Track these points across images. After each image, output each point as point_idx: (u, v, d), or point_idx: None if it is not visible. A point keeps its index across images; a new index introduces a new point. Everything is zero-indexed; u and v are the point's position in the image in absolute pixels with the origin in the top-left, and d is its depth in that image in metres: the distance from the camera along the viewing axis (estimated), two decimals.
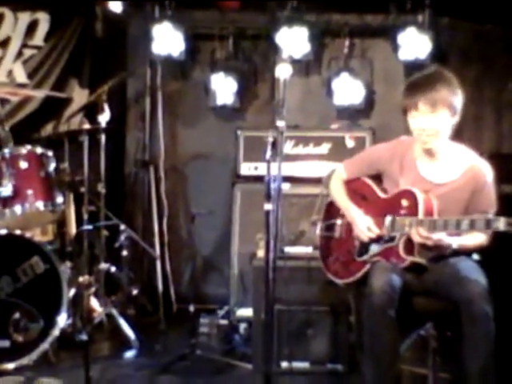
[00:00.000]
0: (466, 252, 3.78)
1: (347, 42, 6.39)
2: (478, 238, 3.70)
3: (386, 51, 6.39)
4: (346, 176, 4.10)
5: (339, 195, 4.08)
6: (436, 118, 3.69)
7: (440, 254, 3.71)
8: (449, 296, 3.63)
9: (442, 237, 3.59)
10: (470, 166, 3.80)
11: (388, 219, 3.77)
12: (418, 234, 3.57)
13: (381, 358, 3.66)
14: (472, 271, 3.68)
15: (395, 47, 6.25)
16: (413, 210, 3.69)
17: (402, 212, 3.73)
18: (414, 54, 6.17)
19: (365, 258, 3.84)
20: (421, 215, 3.66)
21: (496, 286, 3.64)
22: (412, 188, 3.74)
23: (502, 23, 6.23)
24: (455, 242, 3.65)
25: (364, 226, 3.85)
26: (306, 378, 4.41)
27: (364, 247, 3.86)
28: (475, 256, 3.83)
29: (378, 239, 3.80)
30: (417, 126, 3.74)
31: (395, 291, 3.62)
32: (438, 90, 3.68)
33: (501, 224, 3.35)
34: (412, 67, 6.21)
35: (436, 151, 3.80)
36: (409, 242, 3.68)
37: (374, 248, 3.80)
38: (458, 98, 3.73)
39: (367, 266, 3.80)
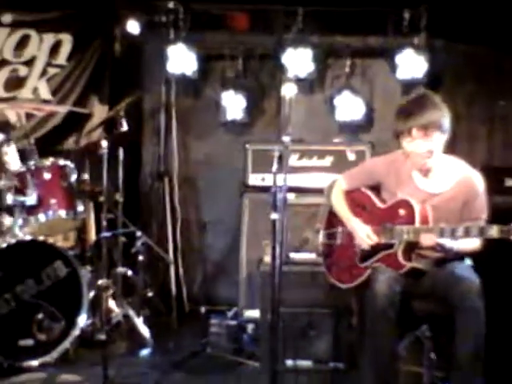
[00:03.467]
0: (459, 257, 3.78)
1: (348, 62, 6.38)
2: (474, 243, 3.70)
3: (385, 71, 6.39)
4: (345, 187, 4.10)
5: (339, 205, 4.08)
6: (429, 140, 3.70)
7: (443, 257, 3.71)
8: (445, 295, 3.64)
9: (445, 242, 3.61)
10: (463, 177, 3.80)
11: (387, 228, 3.77)
12: (428, 240, 3.58)
13: (381, 356, 3.67)
14: (465, 271, 3.72)
15: (393, 67, 6.25)
16: (410, 219, 3.70)
17: (400, 221, 3.74)
18: (410, 74, 6.16)
19: (366, 263, 3.84)
20: (417, 223, 3.66)
21: (488, 286, 3.65)
22: (408, 198, 3.74)
23: (493, 45, 6.22)
24: (455, 245, 3.66)
25: (364, 234, 3.85)
26: (309, 375, 4.39)
27: (365, 254, 3.85)
28: (468, 261, 3.83)
29: (377, 247, 3.80)
30: (412, 149, 3.75)
31: (396, 295, 3.62)
32: (428, 115, 3.69)
33: (494, 232, 3.38)
34: (409, 86, 6.21)
35: (430, 166, 3.80)
36: (407, 249, 3.68)
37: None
38: (446, 119, 3.75)
39: (368, 271, 3.81)
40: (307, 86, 6.40)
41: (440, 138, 3.73)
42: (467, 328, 3.53)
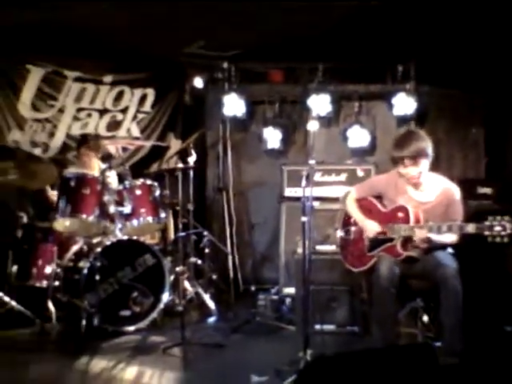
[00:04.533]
0: (443, 247, 3.74)
1: (357, 104, 6.33)
2: (453, 238, 3.66)
3: (384, 109, 6.33)
4: (356, 196, 4.09)
5: (352, 209, 4.07)
6: (418, 166, 3.70)
7: (430, 247, 3.67)
8: (432, 277, 3.60)
9: (432, 236, 3.58)
10: (444, 189, 3.78)
11: (388, 226, 3.75)
12: (421, 235, 3.55)
13: (385, 322, 3.66)
14: (447, 258, 3.68)
15: (390, 107, 6.22)
16: (406, 220, 3.68)
17: (398, 221, 3.72)
18: (403, 111, 6.12)
19: (373, 253, 3.82)
20: (412, 223, 3.64)
21: (465, 270, 3.61)
22: (405, 204, 3.73)
23: (465, 89, 6.17)
24: (440, 239, 3.62)
25: (371, 225, 3.83)
26: (332, 336, 4.36)
27: (372, 245, 3.84)
28: (449, 250, 3.79)
29: (380, 240, 3.78)
30: (405, 173, 3.74)
31: (395, 275, 3.61)
32: (415, 147, 3.68)
33: (470, 228, 3.35)
34: (402, 120, 6.20)
35: (420, 181, 3.78)
36: (404, 242, 3.67)
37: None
38: (429, 146, 3.75)
39: (375, 259, 3.79)
40: (326, 122, 6.35)
41: (426, 163, 3.72)
42: (448, 304, 3.50)
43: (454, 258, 3.70)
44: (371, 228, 3.83)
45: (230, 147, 6.56)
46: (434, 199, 3.76)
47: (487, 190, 5.24)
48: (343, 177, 5.51)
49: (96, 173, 5.01)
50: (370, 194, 4.03)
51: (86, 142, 5.37)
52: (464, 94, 6.31)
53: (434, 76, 6.05)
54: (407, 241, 3.66)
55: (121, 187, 4.79)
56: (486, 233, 3.21)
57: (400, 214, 3.72)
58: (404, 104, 6.09)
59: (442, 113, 6.41)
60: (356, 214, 4.01)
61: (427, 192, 3.80)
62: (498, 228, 3.17)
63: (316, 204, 5.08)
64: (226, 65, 6.35)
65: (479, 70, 5.90)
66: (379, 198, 3.98)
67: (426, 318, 3.89)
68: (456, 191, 3.78)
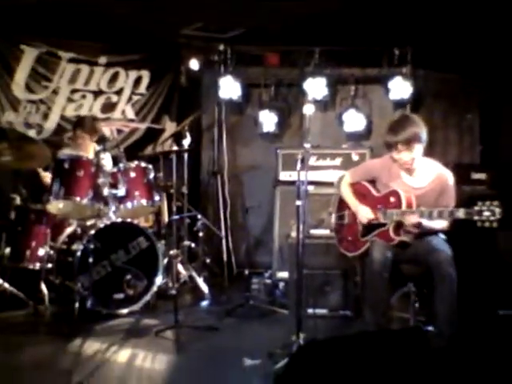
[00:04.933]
0: (434, 233, 3.74)
1: (353, 88, 6.33)
2: (443, 224, 3.66)
3: (381, 93, 6.31)
4: (350, 180, 4.08)
5: (346, 194, 4.06)
6: (412, 151, 3.68)
7: (422, 232, 3.68)
8: (426, 262, 3.61)
9: (423, 221, 3.57)
10: (438, 174, 3.77)
11: (381, 211, 3.75)
12: (412, 220, 3.55)
13: (377, 306, 3.67)
14: (441, 244, 3.68)
15: (387, 91, 6.20)
16: (398, 204, 3.67)
17: (390, 206, 3.72)
18: (399, 95, 6.11)
19: (366, 238, 3.82)
20: (403, 208, 3.64)
21: (457, 255, 3.62)
22: (397, 189, 3.72)
23: (461, 73, 6.16)
24: (431, 224, 3.62)
25: (364, 212, 3.83)
26: (325, 320, 4.38)
27: (365, 230, 3.84)
28: (442, 235, 3.79)
29: (374, 225, 3.78)
30: (399, 158, 3.73)
31: (388, 260, 3.62)
32: (409, 132, 3.65)
33: (460, 213, 3.34)
34: (398, 104, 6.19)
35: (414, 167, 3.77)
36: (396, 227, 3.67)
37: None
38: (423, 131, 3.71)
39: (368, 244, 3.79)
40: (322, 105, 6.35)
41: (419, 148, 3.70)
42: (442, 290, 3.51)
43: (448, 244, 3.70)
44: (364, 214, 3.83)
45: (226, 130, 6.54)
46: (427, 185, 3.75)
47: (481, 176, 5.26)
48: (338, 161, 5.49)
49: (90, 155, 4.99)
50: (364, 178, 4.01)
51: (82, 124, 5.33)
52: (460, 79, 6.30)
53: (430, 60, 6.03)
54: (399, 226, 3.65)
55: (115, 169, 4.76)
56: (476, 218, 3.20)
57: (392, 199, 3.72)
58: (400, 88, 6.07)
59: (438, 97, 6.41)
60: (350, 199, 4.01)
61: (420, 177, 3.79)
62: (487, 213, 3.17)
63: (311, 188, 5.06)
64: (222, 47, 6.32)
65: (476, 55, 5.88)
66: (373, 182, 3.97)
67: (417, 303, 3.89)
68: (449, 177, 3.77)
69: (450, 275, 3.51)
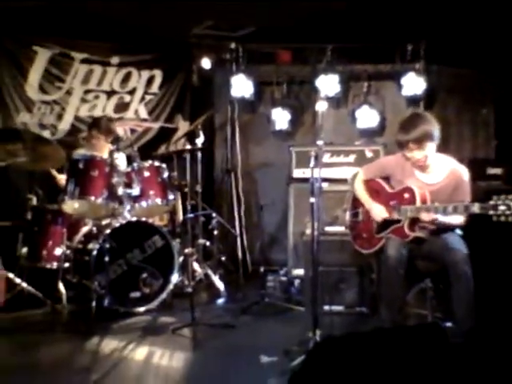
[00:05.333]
0: (451, 228, 3.72)
1: (366, 84, 6.32)
2: (460, 219, 3.64)
3: (393, 90, 6.31)
4: (364, 177, 4.06)
5: (360, 191, 4.04)
6: (424, 150, 3.65)
7: (437, 228, 3.66)
8: (442, 260, 3.58)
9: (438, 217, 3.55)
10: (452, 170, 3.74)
11: (395, 208, 3.74)
12: (428, 216, 3.53)
13: (393, 303, 3.66)
14: (456, 242, 3.64)
15: (399, 87, 6.19)
16: (412, 200, 3.65)
17: (405, 202, 3.70)
18: (413, 91, 6.10)
19: (381, 234, 3.81)
20: (418, 204, 3.62)
21: (473, 251, 3.59)
22: (411, 185, 3.70)
23: (475, 68, 6.12)
24: (447, 220, 3.61)
25: (378, 211, 3.82)
26: (341, 317, 4.38)
27: (380, 227, 3.83)
28: (458, 231, 3.77)
29: (388, 222, 3.76)
30: (411, 156, 3.70)
31: (403, 256, 3.60)
32: (420, 130, 3.61)
33: (476, 208, 3.30)
34: (411, 101, 6.17)
35: (428, 164, 3.75)
36: (411, 223, 3.65)
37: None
38: (435, 128, 3.67)
39: (383, 241, 3.78)
40: (335, 102, 6.35)
41: (431, 146, 3.67)
42: (460, 291, 3.48)
43: (464, 241, 3.68)
44: (378, 213, 3.82)
45: (238, 128, 6.55)
46: (442, 180, 3.73)
47: (497, 171, 5.22)
48: (352, 158, 5.48)
49: (105, 155, 5.02)
50: (378, 175, 3.99)
51: (97, 124, 5.33)
52: (474, 74, 6.26)
53: (443, 55, 6.00)
54: (414, 222, 3.64)
55: (129, 169, 4.78)
56: (491, 212, 3.16)
57: (406, 195, 3.70)
58: (413, 84, 6.05)
59: (451, 93, 6.38)
60: (363, 197, 3.99)
61: (435, 174, 3.76)
62: (502, 207, 3.14)
63: (324, 185, 5.04)
64: (233, 45, 6.34)
65: (490, 50, 5.83)
66: (387, 178, 3.95)
67: (434, 299, 3.88)
68: (464, 172, 3.74)
69: (465, 274, 3.48)
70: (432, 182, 3.75)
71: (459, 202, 3.54)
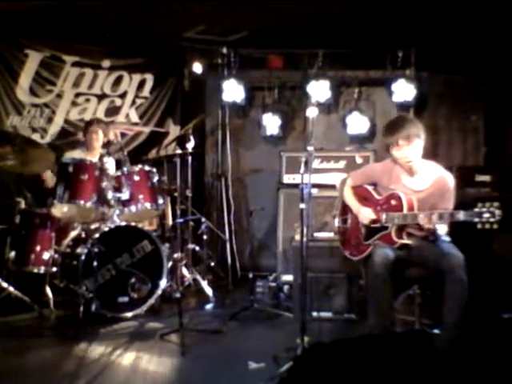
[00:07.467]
0: (438, 236, 3.72)
1: (356, 90, 6.34)
2: (444, 228, 3.65)
3: (384, 96, 6.33)
4: (351, 184, 4.07)
5: (348, 196, 4.06)
6: (412, 146, 3.69)
7: (425, 235, 3.68)
8: (437, 266, 3.57)
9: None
10: (438, 177, 3.77)
11: (383, 214, 3.75)
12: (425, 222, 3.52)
13: (381, 309, 3.65)
14: (452, 248, 3.64)
15: (390, 93, 6.21)
16: (399, 207, 3.67)
17: (392, 209, 3.71)
18: (403, 98, 6.13)
19: (369, 241, 3.82)
20: (405, 211, 3.64)
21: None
22: (398, 192, 3.72)
23: (465, 75, 6.16)
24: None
25: (365, 212, 3.83)
26: (329, 323, 4.39)
27: (368, 234, 3.83)
28: (447, 238, 3.77)
29: (376, 229, 3.77)
30: (400, 155, 3.74)
31: (390, 263, 3.61)
32: (408, 128, 3.68)
33: (461, 215, 3.33)
34: (402, 107, 6.19)
35: (415, 169, 3.78)
36: (398, 230, 3.67)
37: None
38: (421, 129, 3.75)
39: (371, 247, 3.78)
40: (326, 108, 6.37)
41: (419, 144, 3.72)
42: (454, 297, 3.48)
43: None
44: (365, 214, 3.83)
45: (229, 133, 6.55)
46: (429, 187, 3.75)
47: (486, 178, 5.24)
48: (342, 164, 5.50)
49: (94, 159, 5.01)
50: (365, 182, 4.01)
51: (96, 121, 5.40)
52: (464, 81, 6.31)
53: (434, 62, 6.05)
54: (401, 229, 3.66)
55: (119, 173, 4.76)
56: (476, 220, 3.20)
57: (393, 202, 3.71)
58: (404, 90, 6.08)
59: (441, 99, 6.42)
60: (351, 202, 4.01)
61: (421, 180, 3.78)
62: (486, 215, 3.17)
63: (314, 191, 5.06)
64: (225, 50, 6.34)
65: (480, 57, 5.88)
66: (375, 185, 3.97)
67: (422, 305, 3.89)
68: (450, 180, 3.76)
69: (461, 280, 3.46)
70: (419, 188, 3.77)
71: (443, 209, 3.55)
